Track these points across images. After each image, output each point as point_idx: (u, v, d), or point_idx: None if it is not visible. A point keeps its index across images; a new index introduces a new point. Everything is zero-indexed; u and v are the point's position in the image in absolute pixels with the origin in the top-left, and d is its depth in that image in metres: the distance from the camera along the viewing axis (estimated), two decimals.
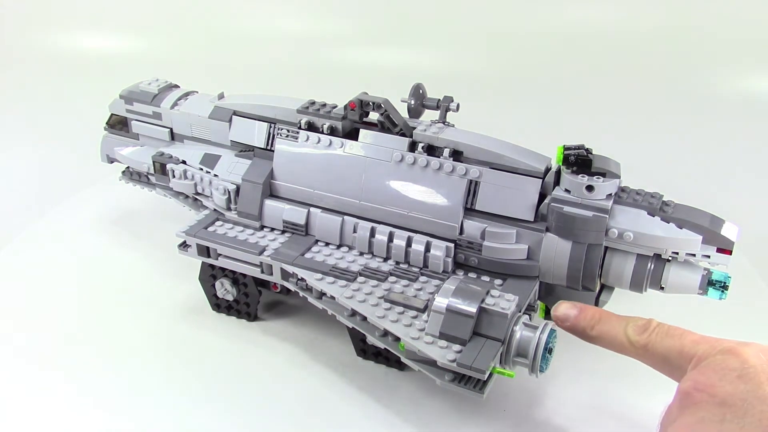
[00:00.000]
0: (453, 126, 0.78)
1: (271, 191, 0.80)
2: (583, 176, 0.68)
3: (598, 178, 0.68)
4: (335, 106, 0.79)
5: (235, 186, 0.81)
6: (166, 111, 0.91)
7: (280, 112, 0.81)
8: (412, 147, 0.75)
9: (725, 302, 0.68)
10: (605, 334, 0.62)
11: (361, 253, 0.76)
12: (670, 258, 0.68)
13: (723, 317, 0.79)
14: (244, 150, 0.84)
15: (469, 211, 0.73)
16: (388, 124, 0.75)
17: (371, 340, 0.69)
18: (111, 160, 0.98)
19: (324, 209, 0.78)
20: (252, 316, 0.83)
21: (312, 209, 0.78)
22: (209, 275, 0.82)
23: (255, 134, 0.83)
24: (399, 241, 0.74)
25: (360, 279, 0.71)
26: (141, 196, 1.02)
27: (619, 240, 0.68)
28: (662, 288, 0.69)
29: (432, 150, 0.74)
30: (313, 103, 0.80)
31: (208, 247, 0.78)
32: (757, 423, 0.47)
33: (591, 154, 0.69)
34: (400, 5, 1.59)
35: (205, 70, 1.51)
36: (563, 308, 0.65)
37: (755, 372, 0.50)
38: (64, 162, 1.25)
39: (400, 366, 0.74)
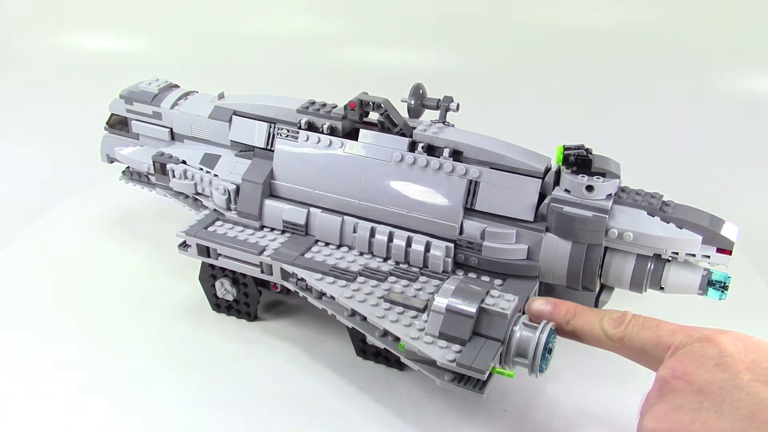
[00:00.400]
0: (453, 126, 0.78)
1: (271, 191, 0.80)
2: (582, 176, 0.68)
3: (597, 178, 0.68)
4: (335, 106, 0.79)
5: (235, 186, 0.81)
6: (166, 111, 0.91)
7: (280, 112, 0.81)
8: (412, 147, 0.74)
9: (725, 302, 0.68)
10: (581, 328, 0.62)
11: (361, 253, 0.76)
12: (669, 258, 0.68)
13: (723, 317, 0.79)
14: (244, 150, 0.84)
15: (469, 211, 0.73)
16: (388, 124, 0.75)
17: (371, 340, 0.69)
18: (111, 160, 0.98)
19: (324, 209, 0.78)
20: (252, 316, 0.83)
21: (312, 209, 0.78)
22: (209, 275, 0.82)
23: (255, 134, 0.83)
24: (399, 241, 0.74)
25: (360, 279, 0.71)
26: (141, 196, 1.02)
27: (618, 240, 0.68)
28: (662, 288, 0.69)
29: (432, 150, 0.74)
30: (313, 103, 0.80)
31: (208, 247, 0.78)
32: (735, 411, 0.47)
33: (591, 154, 0.69)
34: (400, 5, 1.60)
35: (205, 70, 1.51)
36: (537, 304, 0.65)
37: (733, 360, 0.50)
38: (64, 162, 1.26)
39: (399, 366, 0.74)
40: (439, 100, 0.80)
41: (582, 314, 0.63)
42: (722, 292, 0.67)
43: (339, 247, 0.77)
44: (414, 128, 0.75)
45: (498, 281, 0.71)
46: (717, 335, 0.52)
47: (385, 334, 0.67)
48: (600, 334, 0.60)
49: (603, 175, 0.68)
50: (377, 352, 0.75)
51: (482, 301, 0.62)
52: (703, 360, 0.51)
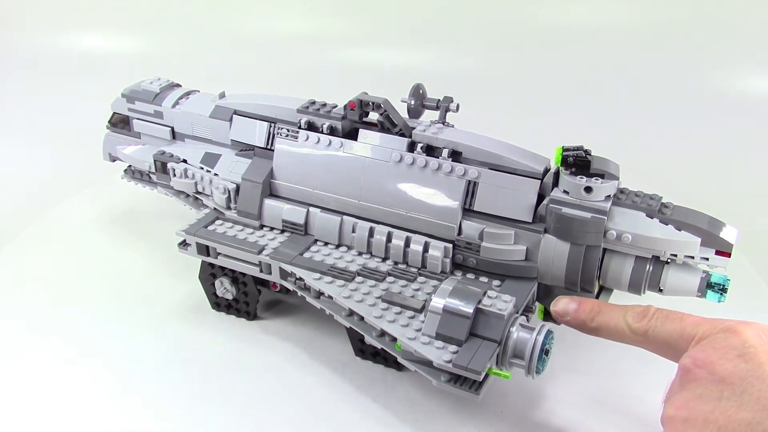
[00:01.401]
0: (452, 126, 0.78)
1: (270, 190, 0.81)
2: (581, 178, 0.68)
3: (596, 179, 0.67)
4: (335, 106, 0.79)
5: (235, 185, 0.81)
6: (167, 110, 0.91)
7: (280, 112, 0.81)
8: (411, 147, 0.74)
9: (725, 303, 0.68)
10: (605, 324, 0.63)
11: (360, 253, 0.76)
12: (668, 260, 0.68)
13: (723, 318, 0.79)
14: (245, 149, 0.84)
15: (468, 211, 0.73)
16: (388, 124, 0.75)
17: (369, 340, 0.69)
18: (113, 159, 0.99)
19: (323, 209, 0.78)
20: (251, 315, 0.83)
21: (311, 209, 0.78)
22: (209, 274, 0.82)
23: (255, 133, 0.83)
24: (397, 241, 0.74)
25: (358, 279, 0.71)
26: (142, 194, 1.03)
27: (617, 242, 0.67)
28: (661, 290, 0.69)
29: (431, 150, 0.74)
30: (313, 102, 0.80)
31: (207, 246, 0.79)
32: (755, 401, 0.48)
33: (590, 155, 0.68)
34: (400, 5, 1.59)
35: (206, 70, 1.52)
36: (563, 303, 0.66)
37: (755, 352, 0.50)
38: (66, 160, 1.26)
39: (398, 366, 0.74)
40: (439, 100, 0.81)
41: (606, 310, 0.63)
42: (721, 294, 0.67)
43: (338, 246, 0.77)
44: (413, 128, 0.75)
45: (496, 282, 0.71)
46: (740, 326, 0.53)
47: (383, 334, 0.67)
48: (624, 328, 0.61)
49: (602, 176, 0.68)
50: (375, 352, 0.75)
51: (479, 301, 0.62)
52: (726, 350, 0.51)
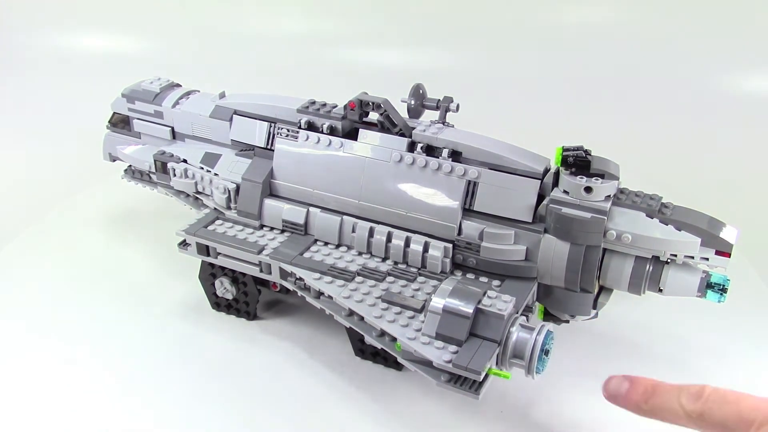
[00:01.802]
0: (452, 126, 0.78)
1: (270, 190, 0.81)
2: (581, 178, 0.68)
3: (596, 179, 0.67)
4: (335, 106, 0.79)
5: (235, 185, 0.81)
6: (167, 110, 0.91)
7: (280, 112, 0.81)
8: (411, 147, 0.75)
9: (726, 303, 0.68)
10: (659, 407, 0.58)
11: (360, 253, 0.76)
12: (668, 260, 0.68)
13: (724, 318, 0.79)
14: (245, 149, 0.85)
15: (468, 211, 0.73)
16: (388, 124, 0.75)
17: (369, 340, 0.69)
18: (113, 159, 0.99)
19: (323, 209, 0.78)
20: (251, 315, 0.83)
21: (311, 209, 0.78)
22: (209, 274, 0.82)
23: (255, 133, 0.83)
24: (397, 241, 0.74)
25: (358, 279, 0.71)
26: (142, 194, 1.03)
27: (617, 242, 0.67)
28: (660, 290, 0.69)
29: (431, 150, 0.74)
30: (313, 102, 0.80)
31: (207, 246, 0.79)
32: None
33: (590, 155, 0.69)
34: (400, 5, 1.60)
35: (206, 70, 1.52)
36: (614, 384, 0.61)
37: None
38: (66, 160, 1.26)
39: (398, 366, 0.74)
40: (439, 100, 0.81)
41: (660, 391, 0.59)
42: (721, 294, 0.67)
43: (338, 246, 0.77)
44: (413, 128, 0.75)
45: (496, 282, 0.71)
46: None
47: (383, 334, 0.67)
48: (679, 411, 0.57)
49: (602, 176, 0.68)
50: (375, 352, 0.75)
51: (479, 301, 0.62)
52: None
